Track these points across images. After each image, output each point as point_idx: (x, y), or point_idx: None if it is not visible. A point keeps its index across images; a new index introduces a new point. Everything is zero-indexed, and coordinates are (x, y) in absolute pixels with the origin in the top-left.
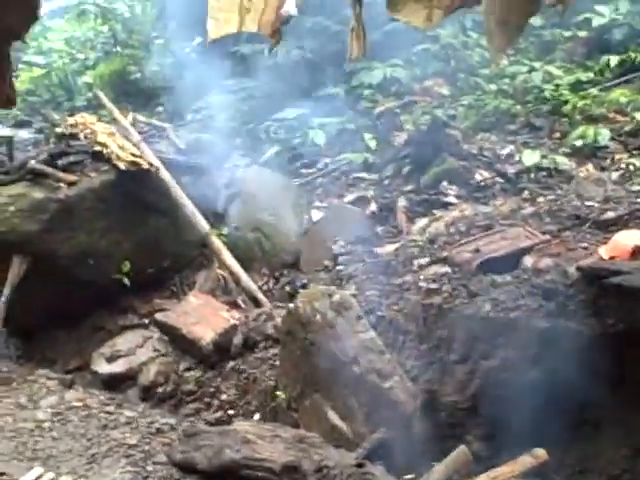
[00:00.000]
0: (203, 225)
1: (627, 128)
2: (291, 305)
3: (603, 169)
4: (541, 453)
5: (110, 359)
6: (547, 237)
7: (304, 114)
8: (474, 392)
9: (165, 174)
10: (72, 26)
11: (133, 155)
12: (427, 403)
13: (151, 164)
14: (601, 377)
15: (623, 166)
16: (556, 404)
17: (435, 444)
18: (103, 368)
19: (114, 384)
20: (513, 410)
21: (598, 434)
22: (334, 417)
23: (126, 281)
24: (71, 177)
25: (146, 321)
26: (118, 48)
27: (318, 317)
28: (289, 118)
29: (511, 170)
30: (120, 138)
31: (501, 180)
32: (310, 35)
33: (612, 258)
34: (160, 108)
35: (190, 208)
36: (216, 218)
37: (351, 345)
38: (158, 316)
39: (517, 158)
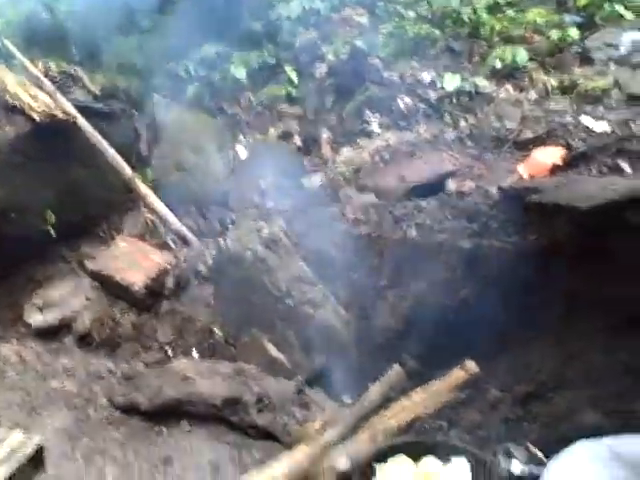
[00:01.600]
0: (126, 170)
1: (544, 47)
2: (221, 242)
3: (522, 90)
4: (471, 365)
5: (43, 309)
6: (469, 160)
7: (224, 50)
8: (406, 314)
9: (83, 122)
10: None
11: (47, 105)
12: (361, 328)
13: (67, 113)
14: (527, 291)
15: (541, 86)
16: (485, 321)
17: (371, 367)
18: (36, 319)
19: (49, 334)
20: (445, 329)
21: (528, 345)
22: (272, 349)
23: (52, 231)
24: None
25: (76, 269)
26: None
27: (248, 253)
28: (208, 55)
29: (433, 95)
30: (33, 88)
31: (424, 106)
32: None
33: (531, 177)
34: (73, 53)
35: (111, 154)
36: (140, 162)
37: (283, 278)
38: (88, 263)
39: (438, 83)
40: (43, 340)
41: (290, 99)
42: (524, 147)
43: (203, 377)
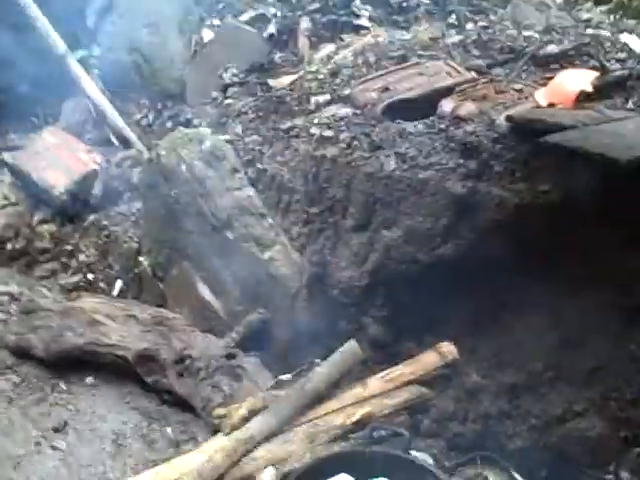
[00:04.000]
0: (58, 45)
1: None
2: (151, 152)
3: None
4: (448, 349)
5: None
6: (473, 75)
7: None
8: (373, 267)
9: None
10: None
11: None
12: (316, 278)
13: None
14: (526, 255)
15: None
16: (469, 285)
17: (324, 328)
18: None
19: None
20: (419, 290)
21: (519, 321)
22: (205, 291)
23: None
24: None
25: None
26: None
27: (184, 168)
28: None
29: None
30: None
31: (427, 1)
32: None
33: (552, 105)
34: None
35: (42, 24)
36: (85, 36)
37: (224, 205)
38: (6, 156)
39: None
40: None
41: None
42: (545, 64)
43: (116, 322)
